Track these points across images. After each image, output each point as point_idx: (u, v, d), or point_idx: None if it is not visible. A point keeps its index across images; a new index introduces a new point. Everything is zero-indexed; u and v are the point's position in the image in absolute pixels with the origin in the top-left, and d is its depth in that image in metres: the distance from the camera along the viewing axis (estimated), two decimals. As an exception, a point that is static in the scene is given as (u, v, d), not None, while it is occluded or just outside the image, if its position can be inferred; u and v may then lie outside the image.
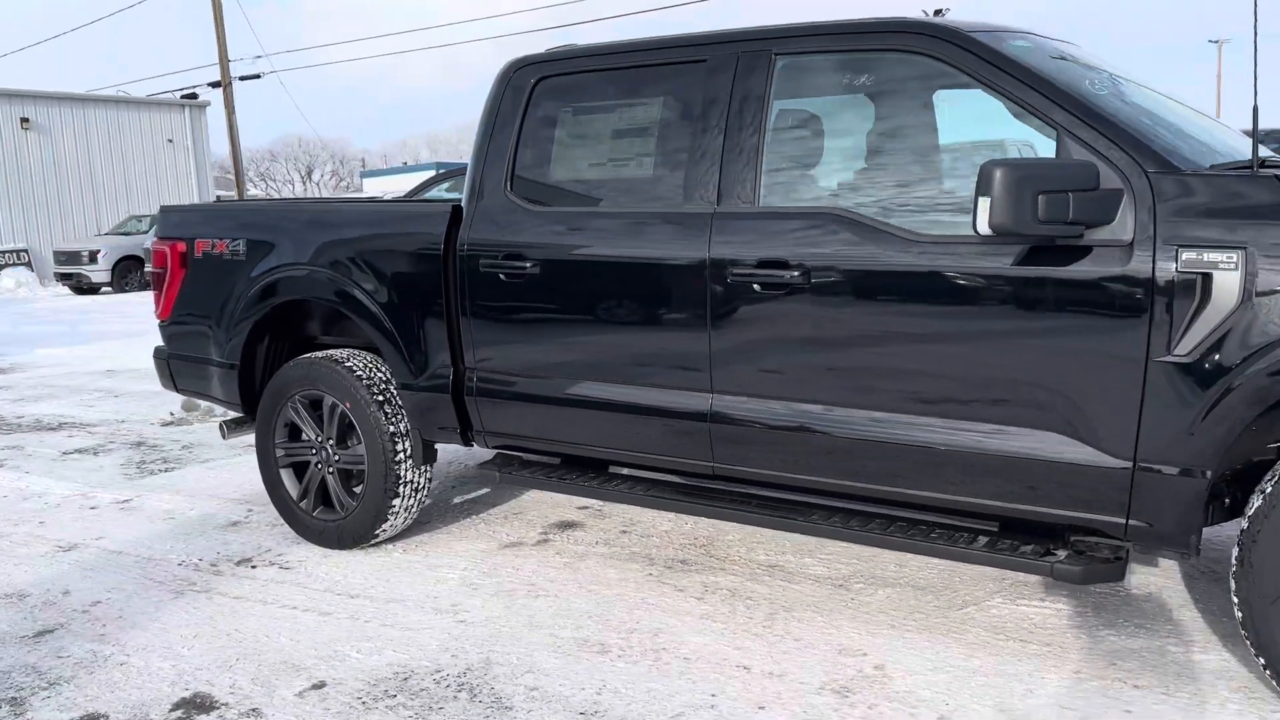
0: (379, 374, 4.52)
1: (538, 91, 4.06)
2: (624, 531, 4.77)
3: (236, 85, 29.94)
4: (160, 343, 5.31)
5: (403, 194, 21.81)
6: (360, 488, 4.58)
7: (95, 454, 6.91)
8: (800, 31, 3.53)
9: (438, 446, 4.60)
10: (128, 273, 23.79)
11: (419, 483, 4.57)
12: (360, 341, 4.88)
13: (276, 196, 60.12)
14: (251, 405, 4.98)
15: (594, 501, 5.20)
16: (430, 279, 4.22)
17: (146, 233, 24.24)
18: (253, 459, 6.42)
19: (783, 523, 3.58)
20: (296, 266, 4.56)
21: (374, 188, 45.97)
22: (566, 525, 4.91)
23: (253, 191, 59.09)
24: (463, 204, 4.22)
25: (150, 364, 5.55)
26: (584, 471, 4.21)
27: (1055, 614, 3.68)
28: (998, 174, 2.79)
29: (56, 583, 4.46)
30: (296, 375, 4.63)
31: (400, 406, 4.47)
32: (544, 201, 4.02)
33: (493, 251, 4.04)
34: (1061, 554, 3.20)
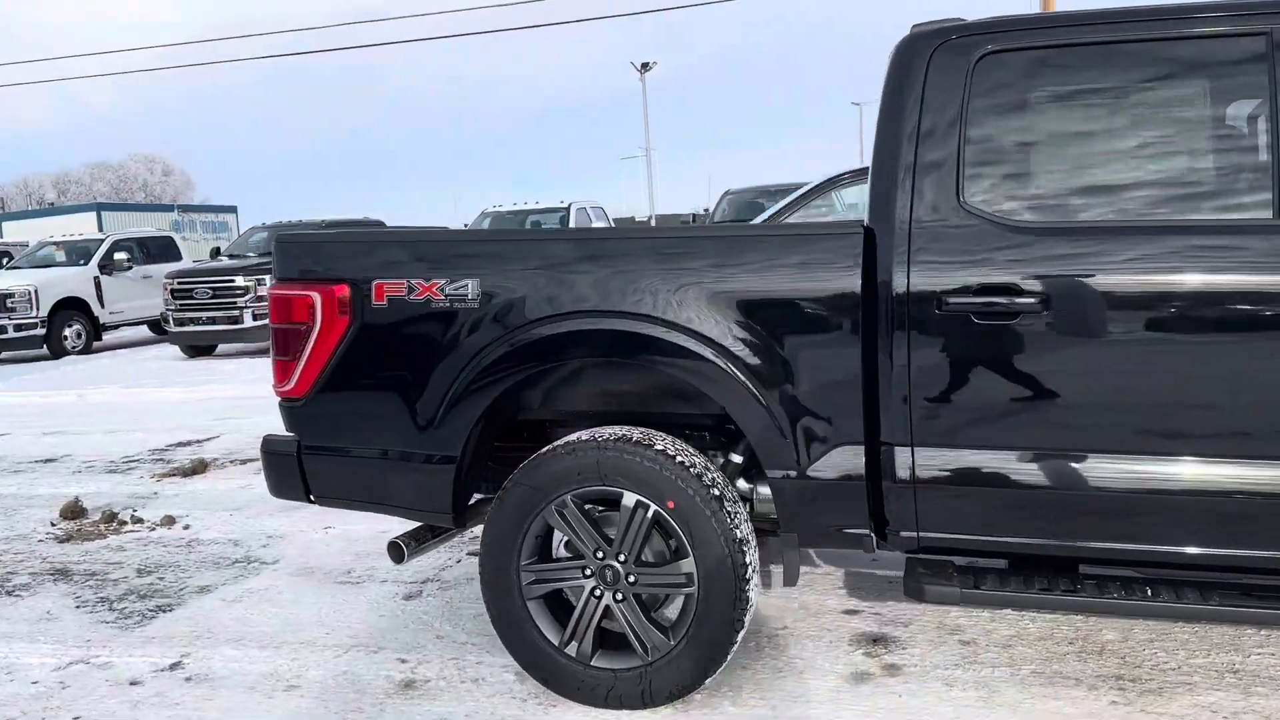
0: (697, 458, 3.25)
1: (983, 71, 3.04)
2: (966, 643, 3.74)
3: None
4: (282, 430, 3.65)
5: (70, 235, 18.55)
6: (677, 619, 3.26)
7: (11, 594, 4.82)
8: None
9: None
10: None
11: (755, 604, 3.33)
12: (606, 414, 3.56)
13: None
14: (460, 513, 3.51)
15: (852, 602, 4.13)
16: (836, 326, 3.05)
17: None
18: (268, 580, 4.72)
19: None
20: (593, 316, 3.19)
21: (18, 233, 40.07)
22: (874, 639, 3.80)
23: None
24: (869, 223, 3.09)
25: None
26: (1040, 573, 3.16)
27: None
28: None
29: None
30: (573, 466, 3.24)
31: (736, 503, 3.22)
32: (1030, 216, 2.99)
33: (956, 286, 2.95)
34: None
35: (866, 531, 3.13)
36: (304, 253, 3.54)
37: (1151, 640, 3.67)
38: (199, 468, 7.22)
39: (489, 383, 3.31)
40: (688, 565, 3.20)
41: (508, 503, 3.33)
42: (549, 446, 3.33)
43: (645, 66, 40.27)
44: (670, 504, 3.18)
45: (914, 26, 3.30)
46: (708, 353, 3.12)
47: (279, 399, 3.64)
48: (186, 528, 5.79)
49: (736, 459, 3.49)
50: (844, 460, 3.10)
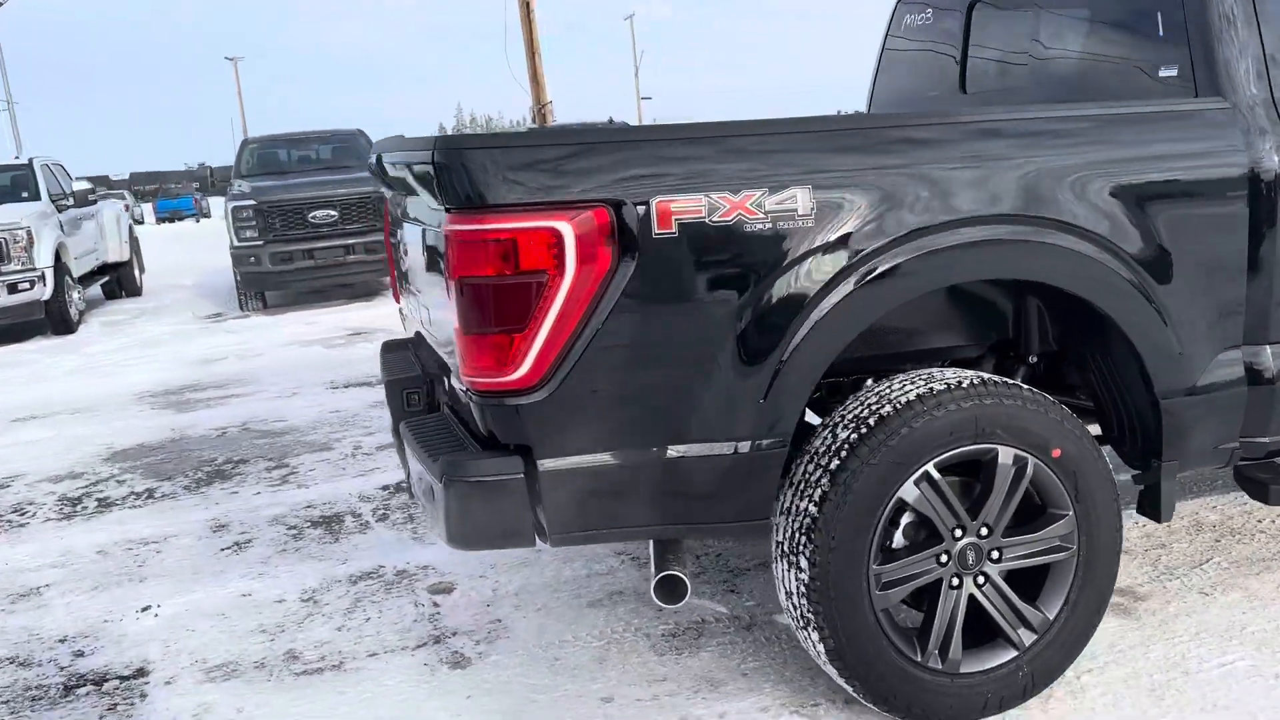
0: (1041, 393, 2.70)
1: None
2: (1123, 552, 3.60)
3: None
4: (485, 447, 2.34)
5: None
6: (1044, 592, 2.69)
7: None
8: None
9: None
10: None
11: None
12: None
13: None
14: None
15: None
16: (1225, 216, 2.69)
17: None
18: (189, 700, 3.22)
19: None
20: (976, 223, 2.45)
21: None
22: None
23: None
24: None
25: None
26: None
27: None
28: None
29: None
30: (944, 425, 2.48)
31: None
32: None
33: None
34: None
35: (1236, 444, 2.82)
36: (522, 162, 2.25)
37: (1249, 512, 3.83)
38: None
39: (837, 330, 2.41)
40: (1065, 525, 2.63)
41: (860, 489, 2.46)
42: (883, 404, 2.50)
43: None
44: (1056, 452, 2.58)
45: None
46: (1107, 258, 2.56)
47: (478, 395, 2.32)
48: (-120, 661, 3.59)
49: (1015, 389, 2.94)
50: (1227, 369, 2.74)
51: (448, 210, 2.29)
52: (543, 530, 2.37)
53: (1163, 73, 2.88)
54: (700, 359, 2.35)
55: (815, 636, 2.53)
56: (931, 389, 2.51)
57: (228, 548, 4.37)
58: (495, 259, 2.22)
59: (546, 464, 2.31)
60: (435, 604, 3.63)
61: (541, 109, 16.33)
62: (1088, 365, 2.88)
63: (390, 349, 3.91)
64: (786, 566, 2.55)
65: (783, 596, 2.62)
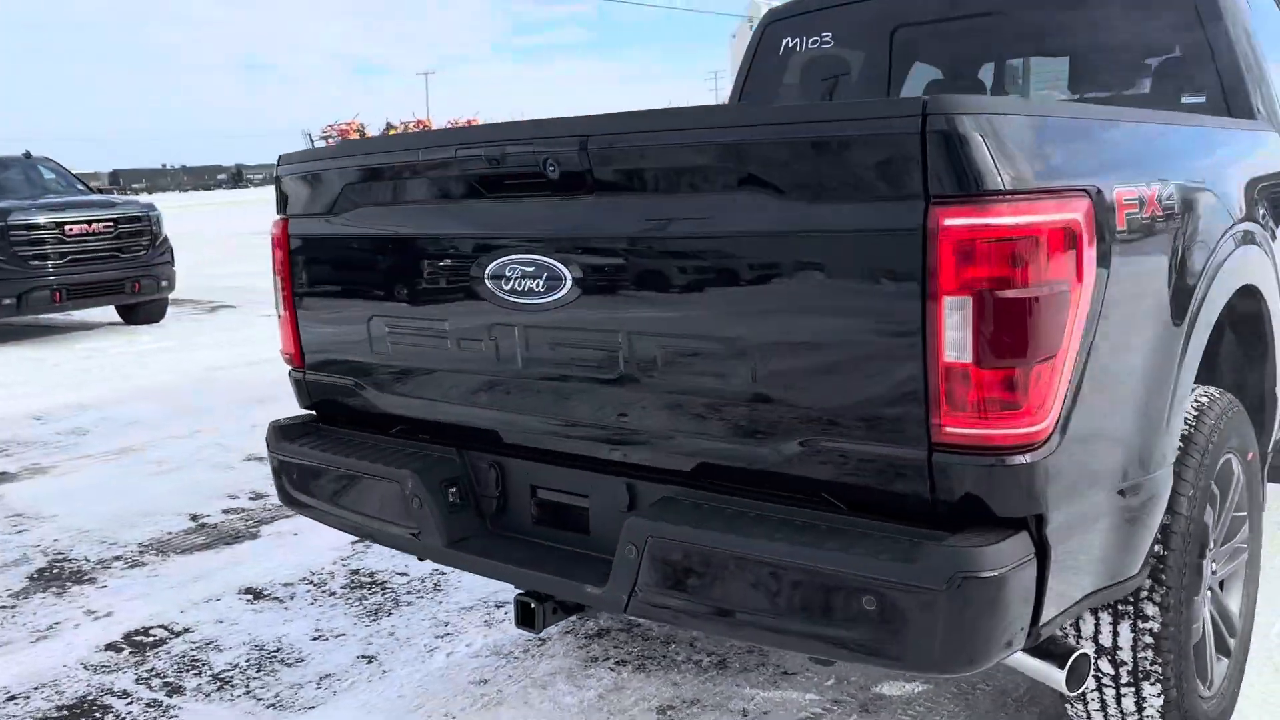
0: None
1: None
2: None
3: None
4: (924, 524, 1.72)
5: None
6: (1232, 593, 2.73)
7: None
8: None
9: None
10: None
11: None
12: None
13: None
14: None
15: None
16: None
17: None
18: None
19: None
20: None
21: None
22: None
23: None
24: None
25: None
26: None
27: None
28: None
29: None
30: (1225, 437, 2.39)
31: None
32: None
33: None
34: None
35: None
36: (1033, 134, 1.69)
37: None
38: None
39: (1206, 337, 2.20)
40: (1247, 527, 2.69)
41: (1197, 515, 2.25)
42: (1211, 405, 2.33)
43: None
44: (1250, 455, 2.63)
45: None
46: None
47: (957, 452, 1.68)
48: None
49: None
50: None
51: (936, 199, 1.64)
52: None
53: (1186, 99, 3.09)
54: (1153, 378, 1.98)
55: (1152, 691, 2.25)
56: (1200, 402, 2.38)
57: (-56, 790, 2.69)
58: (1015, 263, 1.64)
59: (1057, 536, 1.75)
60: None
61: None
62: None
63: (298, 434, 2.76)
64: (1110, 619, 2.23)
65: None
